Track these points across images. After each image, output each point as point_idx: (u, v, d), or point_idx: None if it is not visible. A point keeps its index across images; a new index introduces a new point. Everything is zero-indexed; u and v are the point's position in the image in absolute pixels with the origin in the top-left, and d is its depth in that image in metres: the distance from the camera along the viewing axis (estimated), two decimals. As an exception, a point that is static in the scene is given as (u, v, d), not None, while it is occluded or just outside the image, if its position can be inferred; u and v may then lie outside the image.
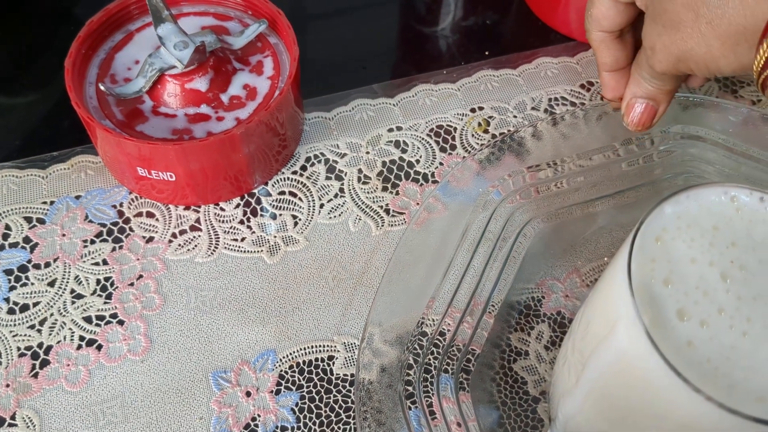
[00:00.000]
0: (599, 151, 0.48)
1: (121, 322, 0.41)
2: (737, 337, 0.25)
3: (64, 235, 0.43)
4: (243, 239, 0.44)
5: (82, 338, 0.40)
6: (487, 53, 0.55)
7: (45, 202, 0.44)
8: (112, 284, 0.42)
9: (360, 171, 0.48)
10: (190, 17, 0.48)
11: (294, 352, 0.41)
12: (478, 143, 0.49)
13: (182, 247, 0.44)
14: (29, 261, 0.42)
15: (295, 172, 0.47)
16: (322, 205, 0.46)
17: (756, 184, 0.47)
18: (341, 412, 0.39)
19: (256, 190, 0.46)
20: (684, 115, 0.49)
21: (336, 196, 0.46)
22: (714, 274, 0.26)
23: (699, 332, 0.25)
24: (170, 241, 0.44)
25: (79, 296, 0.41)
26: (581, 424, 0.31)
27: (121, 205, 0.45)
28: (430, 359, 0.40)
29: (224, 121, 0.43)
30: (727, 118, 0.49)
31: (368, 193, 0.47)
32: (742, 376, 0.24)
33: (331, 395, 0.39)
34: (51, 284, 0.42)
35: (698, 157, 0.48)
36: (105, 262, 0.43)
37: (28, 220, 0.44)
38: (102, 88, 0.42)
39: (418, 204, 0.46)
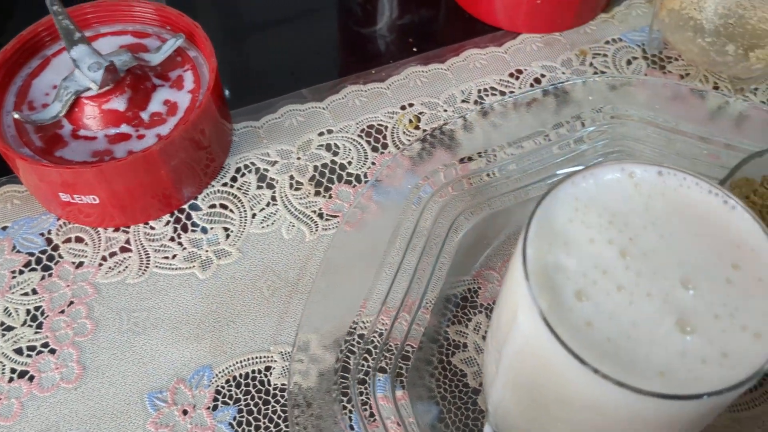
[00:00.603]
0: (530, 137, 0.48)
1: (52, 351, 0.40)
2: (637, 314, 0.25)
3: (-9, 267, 0.43)
4: (174, 256, 0.44)
5: (13, 370, 0.39)
6: (415, 49, 0.54)
7: (-29, 236, 0.44)
8: (42, 313, 0.41)
9: (292, 177, 0.47)
10: (108, 37, 0.47)
11: (230, 366, 0.40)
12: (409, 140, 0.49)
13: (112, 269, 0.43)
14: (-43, 297, 0.42)
15: (225, 184, 0.47)
16: (254, 215, 0.45)
17: (688, 158, 0.47)
18: (280, 422, 0.39)
19: (185, 206, 0.45)
20: (612, 95, 0.49)
21: (268, 204, 0.46)
22: (613, 252, 0.26)
23: (598, 312, 0.25)
24: (100, 265, 0.43)
25: (9, 328, 0.41)
26: (507, 410, 0.31)
27: (49, 232, 0.44)
28: (367, 360, 0.40)
29: (145, 139, 0.43)
30: (655, 95, 0.50)
31: (301, 198, 0.46)
32: (643, 353, 0.24)
33: (270, 406, 0.39)
34: (-20, 318, 0.41)
35: (629, 136, 0.48)
36: (34, 292, 0.42)
37: (-45, 255, 0.43)
38: (17, 116, 0.41)
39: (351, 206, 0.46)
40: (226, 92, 0.51)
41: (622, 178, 0.28)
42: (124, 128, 0.43)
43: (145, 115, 0.44)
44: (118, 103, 0.43)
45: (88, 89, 0.42)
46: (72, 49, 0.43)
